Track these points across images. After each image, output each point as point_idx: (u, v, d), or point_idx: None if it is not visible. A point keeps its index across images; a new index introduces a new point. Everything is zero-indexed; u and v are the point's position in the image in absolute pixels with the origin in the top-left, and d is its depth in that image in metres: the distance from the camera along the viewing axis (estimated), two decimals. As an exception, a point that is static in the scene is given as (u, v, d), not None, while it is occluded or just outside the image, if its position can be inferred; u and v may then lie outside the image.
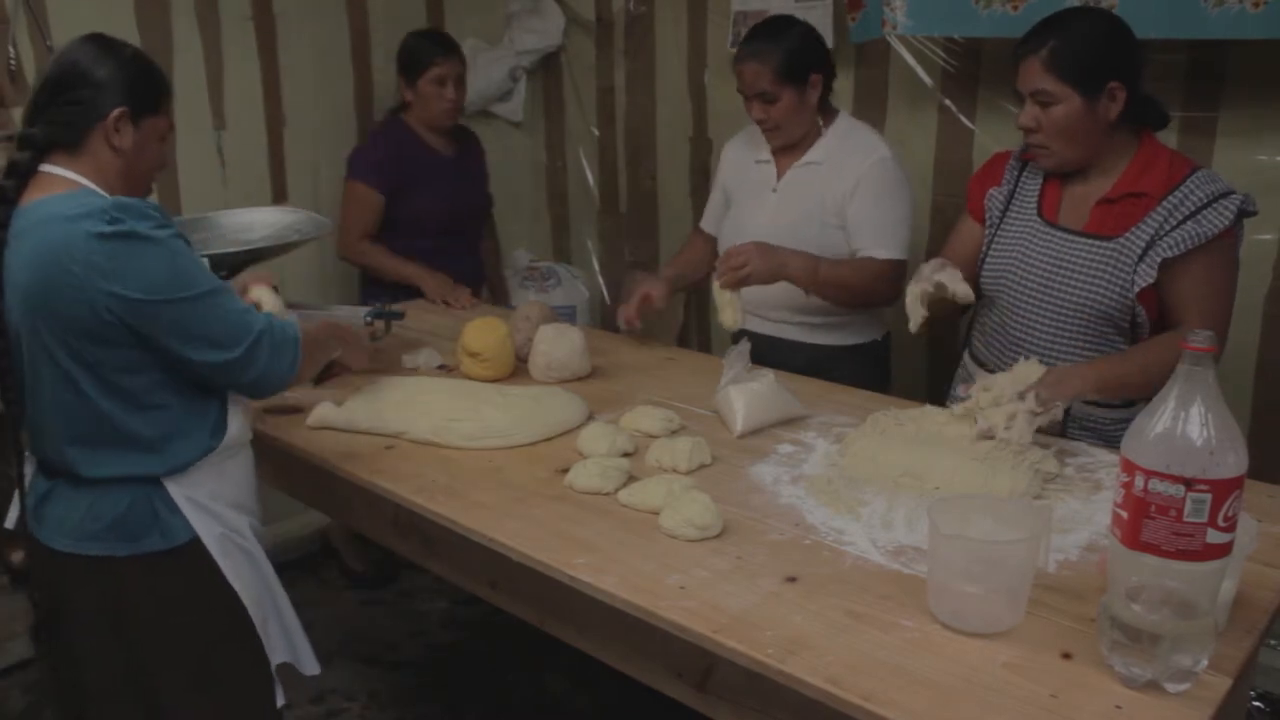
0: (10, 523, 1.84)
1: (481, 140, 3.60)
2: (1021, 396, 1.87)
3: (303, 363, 1.79)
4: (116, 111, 1.68)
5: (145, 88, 1.73)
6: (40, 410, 1.68)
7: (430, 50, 3.24)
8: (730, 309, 2.40)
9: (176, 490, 1.72)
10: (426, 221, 3.31)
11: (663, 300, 2.61)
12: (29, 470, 1.78)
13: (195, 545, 1.74)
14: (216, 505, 1.78)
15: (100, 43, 1.71)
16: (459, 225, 3.42)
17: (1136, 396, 2.01)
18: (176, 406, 1.70)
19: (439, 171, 3.32)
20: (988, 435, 1.88)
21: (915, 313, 2.08)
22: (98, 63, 1.67)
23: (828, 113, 2.59)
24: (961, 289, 2.04)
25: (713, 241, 2.80)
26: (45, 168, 1.66)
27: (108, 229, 1.55)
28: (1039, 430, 1.92)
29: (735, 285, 2.35)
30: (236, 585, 1.78)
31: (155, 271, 1.57)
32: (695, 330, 4.08)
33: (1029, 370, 1.92)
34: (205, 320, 1.63)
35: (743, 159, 2.72)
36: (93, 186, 1.66)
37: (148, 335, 1.61)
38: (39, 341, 1.62)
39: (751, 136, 2.71)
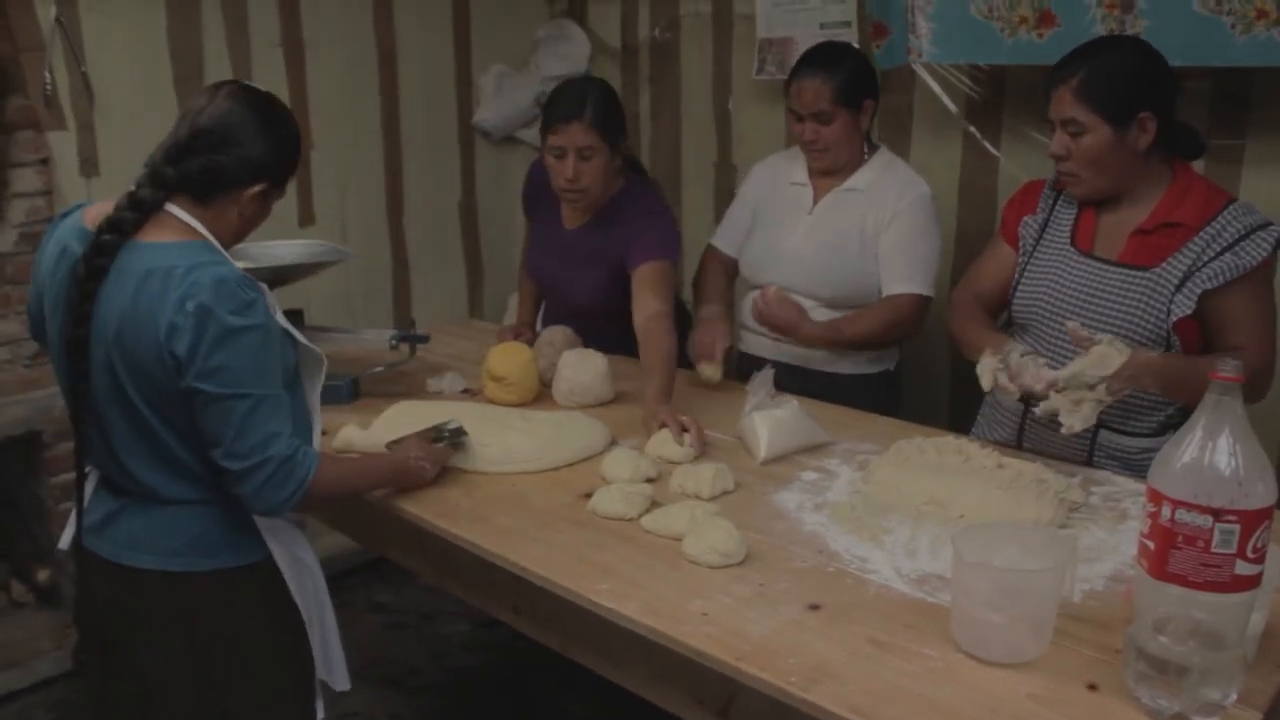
0: (65, 543, 1.85)
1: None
2: (1092, 386, 1.86)
3: (320, 496, 1.72)
4: (258, 188, 1.68)
5: (289, 168, 1.73)
6: (114, 440, 1.68)
7: (550, 112, 2.52)
8: (711, 366, 2.50)
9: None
10: (543, 291, 2.92)
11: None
12: (89, 488, 1.78)
13: (267, 562, 1.75)
14: (284, 523, 1.80)
15: (268, 110, 1.68)
16: (578, 315, 2.75)
17: (1190, 402, 1.98)
18: None
19: (551, 238, 2.78)
20: (1052, 414, 1.89)
21: (985, 379, 2.04)
22: (259, 134, 1.65)
23: (869, 144, 2.62)
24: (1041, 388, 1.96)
25: (732, 262, 2.79)
26: (167, 207, 1.64)
27: (192, 302, 1.54)
28: (1057, 457, 1.91)
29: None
30: (299, 600, 1.80)
31: (226, 362, 1.56)
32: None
33: (1110, 355, 1.87)
34: (224, 421, 1.59)
35: (776, 180, 2.72)
36: (209, 238, 1.66)
37: (192, 406, 1.61)
38: (113, 376, 1.62)
39: (785, 159, 2.73)
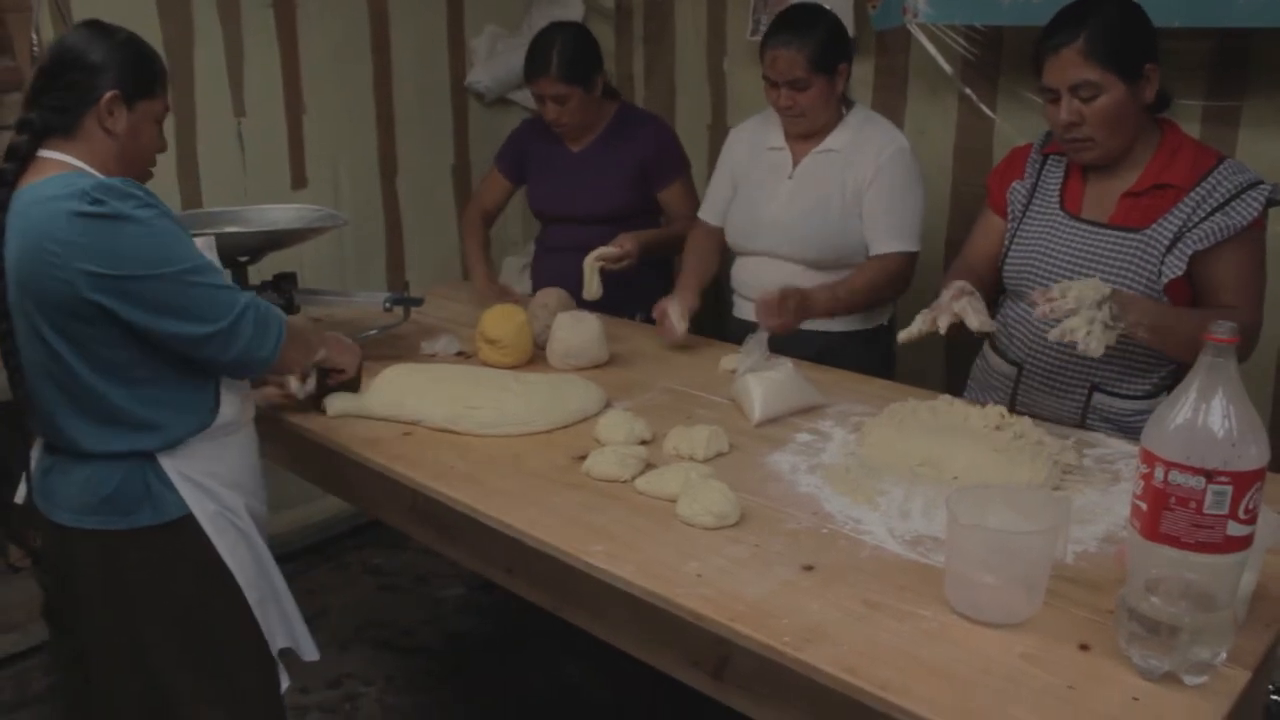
0: (20, 498, 1.87)
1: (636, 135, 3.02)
2: (1099, 305, 1.81)
3: (287, 348, 1.80)
4: (109, 95, 1.71)
5: (139, 71, 1.76)
6: (37, 389, 1.71)
7: (526, 66, 2.92)
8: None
9: (170, 465, 1.75)
10: (551, 216, 3.13)
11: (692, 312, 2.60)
12: (36, 447, 1.81)
13: (188, 521, 1.76)
14: (212, 483, 1.80)
15: (94, 28, 1.75)
16: (593, 221, 2.97)
17: (1177, 356, 1.97)
18: (167, 383, 1.72)
19: (558, 165, 3.06)
20: (1069, 340, 1.82)
21: (912, 330, 2.04)
22: (90, 47, 1.71)
23: (843, 102, 2.59)
24: (978, 320, 1.98)
25: (718, 232, 2.77)
26: (43, 152, 1.70)
27: (88, 209, 1.58)
28: (1051, 419, 1.91)
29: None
30: (231, 563, 1.80)
31: (134, 248, 1.60)
32: (712, 317, 4.07)
33: (1096, 282, 1.83)
34: (186, 294, 1.65)
35: (753, 146, 2.70)
36: (85, 168, 1.69)
37: (125, 312, 1.63)
38: (28, 321, 1.66)
39: (761, 124, 2.70)
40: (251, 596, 1.84)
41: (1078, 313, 1.81)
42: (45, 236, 1.59)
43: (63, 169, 1.68)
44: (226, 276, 1.80)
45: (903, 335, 2.06)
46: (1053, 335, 1.84)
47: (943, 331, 1.99)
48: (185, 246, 1.68)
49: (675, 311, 2.53)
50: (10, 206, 1.65)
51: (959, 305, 1.99)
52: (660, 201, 3.05)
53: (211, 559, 1.79)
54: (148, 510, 1.74)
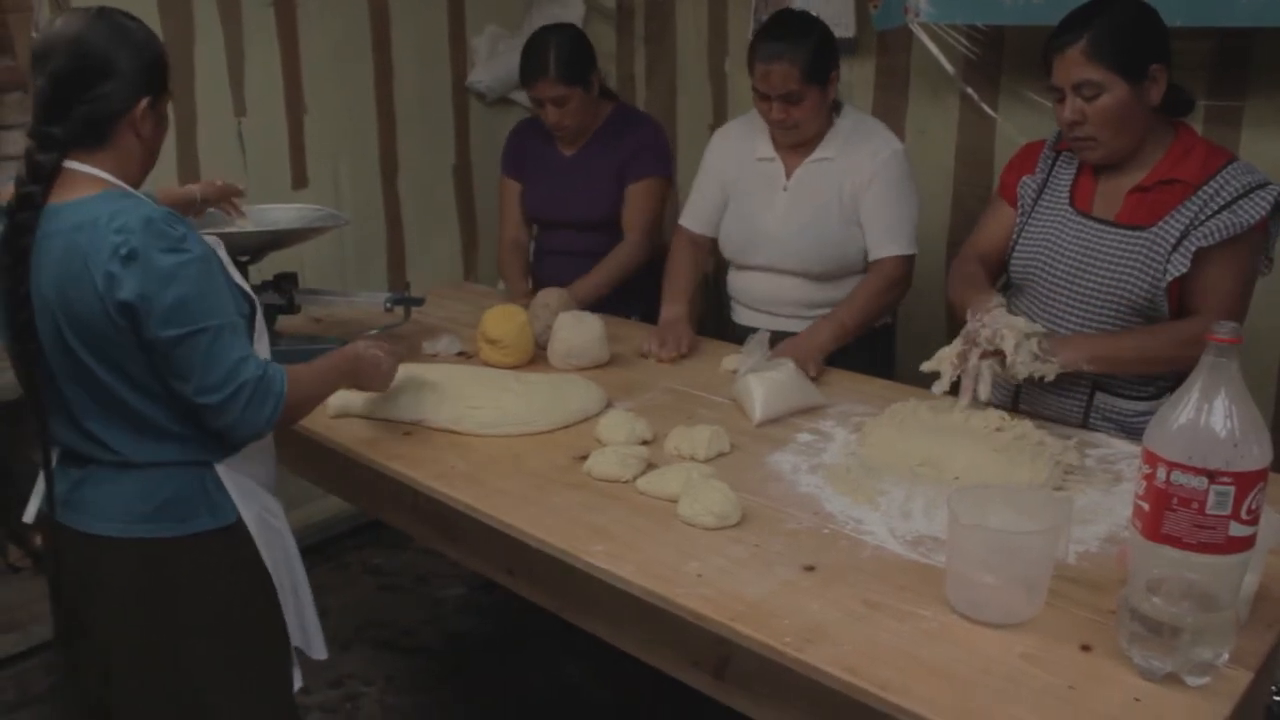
0: (30, 517, 1.83)
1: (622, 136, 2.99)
2: (1027, 336, 1.91)
3: (286, 417, 1.71)
4: (143, 104, 1.64)
5: (160, 70, 1.69)
6: (79, 413, 1.66)
7: (522, 69, 2.88)
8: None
9: (225, 471, 1.73)
10: (545, 220, 3.11)
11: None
12: (54, 462, 1.75)
13: (239, 525, 1.74)
14: (254, 485, 1.79)
15: (110, 25, 1.63)
16: (586, 227, 3.01)
17: (1131, 375, 2.04)
18: None
19: (550, 167, 3.03)
20: (1000, 346, 1.93)
21: (944, 385, 2.04)
22: (115, 51, 1.60)
23: (833, 107, 2.55)
24: (986, 390, 1.99)
25: (706, 241, 2.75)
26: (68, 164, 1.61)
27: (125, 248, 1.52)
28: (1054, 419, 1.90)
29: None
30: (269, 563, 1.79)
31: (157, 298, 1.54)
32: (713, 319, 4.07)
33: (1024, 322, 1.95)
34: (190, 358, 1.58)
35: (740, 155, 2.65)
36: (119, 183, 1.63)
37: (144, 347, 1.60)
38: (65, 347, 1.60)
39: (745, 131, 2.66)
40: (284, 597, 1.83)
41: (1019, 347, 1.92)
42: (89, 264, 1.53)
43: (96, 185, 1.61)
44: (260, 334, 1.76)
45: (936, 387, 2.05)
46: (983, 335, 1.96)
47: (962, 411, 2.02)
48: (208, 301, 1.60)
49: (682, 339, 2.52)
50: (42, 226, 1.57)
51: (983, 369, 1.99)
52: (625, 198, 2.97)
53: (254, 559, 1.77)
54: (205, 516, 1.71)
